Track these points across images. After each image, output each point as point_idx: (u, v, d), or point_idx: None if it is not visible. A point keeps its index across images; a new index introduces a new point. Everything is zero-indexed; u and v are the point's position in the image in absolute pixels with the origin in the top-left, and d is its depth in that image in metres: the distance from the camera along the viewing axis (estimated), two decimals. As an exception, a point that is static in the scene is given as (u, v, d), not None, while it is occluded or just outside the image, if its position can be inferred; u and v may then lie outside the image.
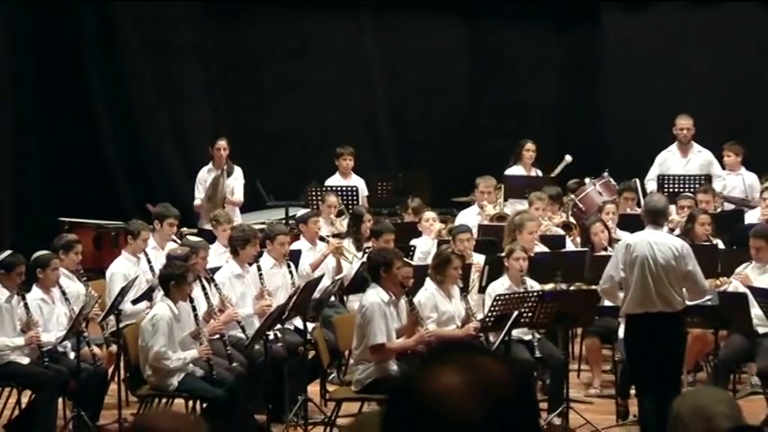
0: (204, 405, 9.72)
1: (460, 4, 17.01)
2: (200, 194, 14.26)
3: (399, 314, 9.90)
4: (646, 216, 9.63)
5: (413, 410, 2.13)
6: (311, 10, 16.53)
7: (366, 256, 10.91)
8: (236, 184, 14.19)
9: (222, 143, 14.23)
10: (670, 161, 14.48)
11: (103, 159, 15.95)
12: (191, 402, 9.83)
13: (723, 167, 14.37)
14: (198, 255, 10.73)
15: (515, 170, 14.52)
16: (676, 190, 13.58)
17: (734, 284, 10.60)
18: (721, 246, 11.88)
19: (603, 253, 11.32)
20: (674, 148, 14.54)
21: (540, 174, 14.56)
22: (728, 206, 13.89)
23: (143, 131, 16.29)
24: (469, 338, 10.11)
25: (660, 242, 9.21)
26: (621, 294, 9.28)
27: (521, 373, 2.21)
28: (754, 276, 10.58)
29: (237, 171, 14.30)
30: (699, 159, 14.43)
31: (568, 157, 14.84)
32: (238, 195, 14.17)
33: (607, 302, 10.17)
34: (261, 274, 10.94)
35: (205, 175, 14.26)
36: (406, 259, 10.61)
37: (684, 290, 9.19)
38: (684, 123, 14.49)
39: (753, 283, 10.41)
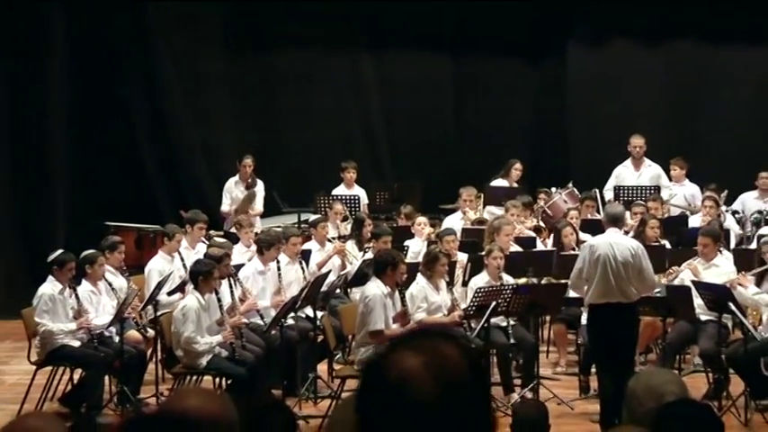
0: (229, 382, 9.71)
1: (446, 39, 16.99)
2: (227, 201, 14.27)
3: (395, 304, 9.92)
4: (606, 221, 9.65)
5: (381, 390, 2.09)
6: (318, 44, 16.50)
7: (374, 254, 10.90)
8: (257, 196, 14.19)
9: (248, 161, 14.23)
10: (625, 174, 14.50)
11: (144, 172, 15.92)
12: (217, 379, 9.82)
13: (670, 179, 14.38)
14: (228, 255, 10.73)
15: (499, 182, 14.52)
16: (630, 198, 13.58)
17: (684, 273, 10.58)
18: (668, 246, 11.87)
19: (570, 252, 11.31)
20: (628, 162, 14.55)
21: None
22: (675, 212, 13.89)
23: (177, 148, 16.25)
24: (453, 324, 10.13)
25: (619, 243, 9.23)
26: (585, 287, 9.30)
27: (475, 358, 2.16)
28: (700, 269, 10.58)
29: (260, 184, 14.28)
30: (649, 172, 14.45)
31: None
32: (259, 207, 14.17)
33: (572, 294, 10.18)
34: (280, 274, 10.94)
35: (232, 186, 14.26)
36: (402, 259, 10.61)
37: (637, 285, 9.21)
38: (637, 142, 14.53)
39: (700, 274, 10.43)
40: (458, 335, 2.00)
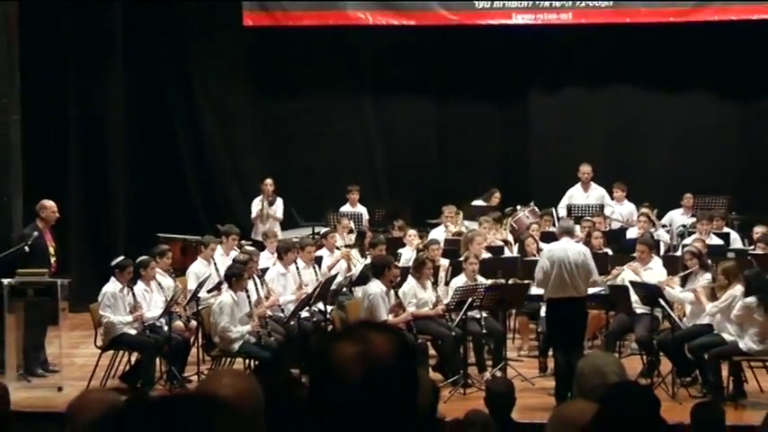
0: (256, 363, 9.72)
1: (432, 86, 17.01)
2: (253, 213, 14.34)
3: (390, 300, 9.94)
4: (560, 232, 9.70)
5: (323, 371, 2.09)
6: (328, 89, 16.55)
7: (371, 259, 10.92)
8: (277, 209, 14.28)
9: (268, 181, 14.35)
10: (576, 195, 14.53)
11: (187, 193, 15.99)
12: (247, 361, 9.82)
13: (612, 199, 14.41)
14: (253, 260, 10.76)
15: (479, 203, 14.60)
16: (580, 215, 13.60)
17: (625, 272, 10.58)
18: (610, 253, 11.89)
19: (532, 258, 11.30)
20: (578, 185, 14.58)
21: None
22: (615, 225, 13.90)
23: (214, 173, 16.29)
24: (437, 316, 10.14)
25: (571, 249, 9.32)
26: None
27: (403, 348, 2.10)
28: (639, 270, 10.59)
29: (279, 201, 14.37)
30: (595, 194, 14.49)
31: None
32: (279, 215, 14.24)
33: (533, 291, 10.19)
34: (300, 274, 10.96)
35: (258, 203, 14.37)
36: (394, 263, 10.65)
37: (585, 281, 9.29)
38: (585, 169, 14.56)
39: (640, 273, 10.43)
40: (392, 328, 1.92)
